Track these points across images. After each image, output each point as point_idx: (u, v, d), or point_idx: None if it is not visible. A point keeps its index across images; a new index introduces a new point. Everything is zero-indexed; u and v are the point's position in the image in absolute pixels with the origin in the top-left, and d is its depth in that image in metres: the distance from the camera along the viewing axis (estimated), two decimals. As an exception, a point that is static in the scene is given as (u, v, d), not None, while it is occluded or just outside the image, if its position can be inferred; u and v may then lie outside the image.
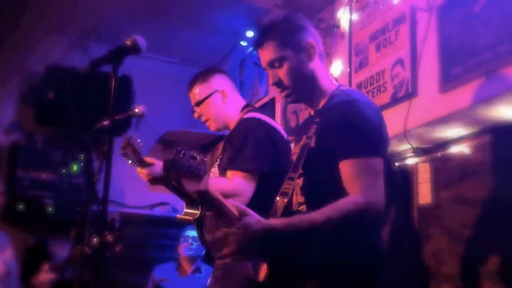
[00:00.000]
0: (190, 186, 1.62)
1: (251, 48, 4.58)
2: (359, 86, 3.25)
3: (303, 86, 1.93)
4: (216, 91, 2.64)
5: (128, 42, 1.79)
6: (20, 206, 4.37)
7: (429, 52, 2.77)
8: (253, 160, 2.34)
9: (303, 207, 1.83)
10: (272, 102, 4.37)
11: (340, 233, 1.69)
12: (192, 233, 4.07)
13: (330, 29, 3.57)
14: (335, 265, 1.71)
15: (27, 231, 4.57)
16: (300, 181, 1.85)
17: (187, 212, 2.52)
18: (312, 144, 1.82)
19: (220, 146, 2.62)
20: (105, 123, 2.35)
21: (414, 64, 2.85)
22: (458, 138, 2.75)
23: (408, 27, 2.93)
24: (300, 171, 1.83)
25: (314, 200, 1.77)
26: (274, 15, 2.18)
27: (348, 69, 3.39)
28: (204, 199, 1.68)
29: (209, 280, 2.63)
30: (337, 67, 3.47)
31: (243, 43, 4.66)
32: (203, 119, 2.70)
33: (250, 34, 4.38)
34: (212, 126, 2.68)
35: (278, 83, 1.94)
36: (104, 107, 1.75)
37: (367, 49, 3.26)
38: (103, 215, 1.67)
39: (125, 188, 4.75)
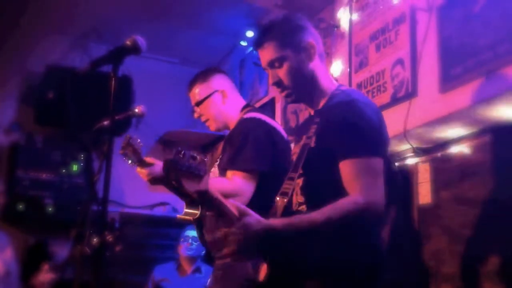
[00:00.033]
0: (190, 186, 1.62)
1: (251, 48, 4.58)
2: (359, 86, 3.25)
3: (303, 86, 1.93)
4: (216, 91, 2.65)
5: (128, 42, 1.79)
6: (20, 206, 4.37)
7: (429, 52, 2.77)
8: (253, 160, 2.34)
9: (303, 207, 1.83)
10: (272, 102, 4.37)
11: (340, 233, 1.69)
12: (192, 233, 4.07)
13: (330, 29, 3.57)
14: (335, 265, 1.71)
15: (27, 231, 4.57)
16: (300, 181, 1.85)
17: (187, 212, 2.52)
18: (312, 144, 1.82)
19: (220, 146, 2.62)
20: (105, 123, 2.36)
21: (414, 64, 2.85)
22: (458, 138, 2.75)
23: (408, 27, 2.93)
24: (300, 171, 1.83)
25: (314, 200, 1.77)
26: (274, 15, 2.18)
27: (348, 69, 3.39)
28: (204, 199, 1.68)
29: (209, 280, 2.64)
30: (337, 67, 3.47)
31: (243, 43, 4.66)
32: (203, 119, 2.70)
33: (250, 34, 4.38)
34: (212, 126, 2.68)
35: (278, 83, 1.94)
36: (104, 107, 1.75)
37: (367, 49, 3.26)
38: (103, 215, 1.67)
39: (125, 188, 4.75)
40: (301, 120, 3.82)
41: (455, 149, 2.76)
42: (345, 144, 1.73)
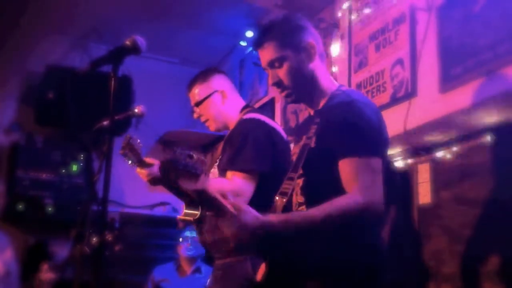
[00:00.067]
0: (187, 185, 1.62)
1: (251, 48, 4.58)
2: (359, 86, 3.25)
3: (303, 86, 1.93)
4: (215, 91, 2.65)
5: (128, 42, 1.79)
6: (20, 206, 4.37)
7: (429, 52, 2.77)
8: (253, 160, 2.34)
9: (303, 208, 1.83)
10: (272, 102, 4.37)
11: (340, 233, 1.69)
12: (192, 233, 4.07)
13: (330, 29, 3.57)
14: (335, 265, 1.71)
15: (27, 231, 4.57)
16: (300, 181, 1.85)
17: (187, 212, 2.52)
18: (312, 145, 1.82)
19: (220, 147, 2.62)
20: (105, 123, 2.36)
21: (413, 64, 2.85)
22: (458, 138, 2.75)
23: (408, 27, 2.93)
24: (300, 171, 1.83)
25: (314, 200, 1.76)
26: (274, 15, 2.18)
27: (348, 69, 3.40)
28: (201, 198, 1.67)
29: (208, 280, 2.64)
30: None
31: (243, 43, 4.66)
32: (202, 119, 2.70)
33: (250, 34, 4.38)
34: (212, 127, 2.68)
35: (278, 83, 1.94)
36: (104, 107, 1.75)
37: (366, 49, 3.26)
38: (103, 215, 1.68)
39: (125, 188, 4.75)
40: (301, 120, 3.82)
41: (455, 149, 2.76)
42: (345, 144, 1.73)
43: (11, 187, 4.49)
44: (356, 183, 1.67)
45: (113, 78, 1.75)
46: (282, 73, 1.92)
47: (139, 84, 4.67)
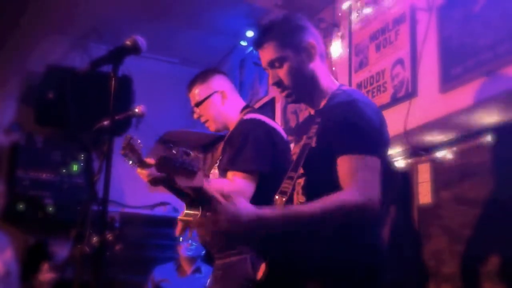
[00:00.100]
0: (184, 182, 1.61)
1: (251, 48, 4.58)
2: (359, 86, 3.25)
3: (304, 86, 1.93)
4: (215, 92, 2.64)
5: (128, 42, 1.79)
6: (20, 206, 4.37)
7: (429, 52, 2.77)
8: (253, 160, 2.34)
9: (304, 207, 1.82)
10: (272, 102, 4.37)
11: (340, 233, 1.69)
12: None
13: (330, 29, 3.57)
14: (335, 265, 1.71)
15: (27, 231, 4.57)
16: (301, 181, 1.85)
17: (187, 213, 2.52)
18: (313, 144, 1.81)
19: (220, 147, 2.62)
20: (105, 123, 2.36)
21: (414, 64, 2.85)
22: (458, 138, 2.76)
23: (408, 27, 2.93)
24: (301, 171, 1.83)
25: (315, 200, 1.76)
26: (274, 15, 2.18)
27: (348, 69, 3.40)
28: (198, 196, 1.67)
29: (208, 280, 2.64)
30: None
31: (243, 43, 4.66)
32: (202, 119, 2.70)
33: (250, 34, 4.38)
34: (212, 127, 2.68)
35: (279, 83, 1.94)
36: (104, 107, 1.75)
37: (367, 49, 3.26)
38: (103, 215, 1.68)
39: (125, 188, 4.75)
40: (301, 120, 3.82)
41: (455, 149, 2.76)
42: (344, 141, 1.73)
43: (11, 187, 4.49)
44: (353, 180, 1.66)
45: (113, 78, 1.75)
46: (282, 73, 1.92)
47: (139, 84, 4.67)
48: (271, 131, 2.47)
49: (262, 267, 1.80)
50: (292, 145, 2.11)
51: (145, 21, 4.30)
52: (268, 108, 4.35)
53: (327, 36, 3.58)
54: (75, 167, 4.61)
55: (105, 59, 1.78)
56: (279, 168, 2.20)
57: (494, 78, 2.36)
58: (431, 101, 2.71)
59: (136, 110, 2.77)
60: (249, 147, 2.35)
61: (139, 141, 2.57)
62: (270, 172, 2.32)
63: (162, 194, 4.46)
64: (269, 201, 1.90)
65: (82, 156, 4.65)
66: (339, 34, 3.51)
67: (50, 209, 4.42)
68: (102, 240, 1.64)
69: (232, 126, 2.59)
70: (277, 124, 2.64)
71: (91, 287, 1.63)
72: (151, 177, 2.65)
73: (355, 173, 1.67)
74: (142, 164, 2.60)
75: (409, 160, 3.01)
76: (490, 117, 2.53)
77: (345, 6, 3.46)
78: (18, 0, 4.14)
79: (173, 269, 4.30)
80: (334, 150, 1.74)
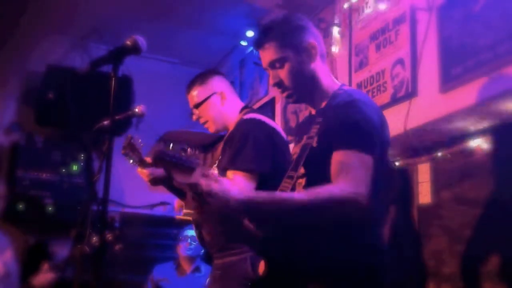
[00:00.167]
0: (181, 178, 1.61)
1: (251, 48, 4.58)
2: (359, 86, 3.25)
3: (304, 87, 1.93)
4: (214, 93, 2.64)
5: (128, 42, 1.79)
6: (20, 206, 4.37)
7: (429, 52, 2.77)
8: (253, 160, 2.33)
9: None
10: (272, 102, 4.37)
11: (340, 233, 1.69)
12: (191, 232, 4.07)
13: (330, 29, 3.57)
14: (335, 265, 1.71)
15: (27, 231, 4.57)
16: (302, 181, 1.85)
17: (186, 212, 2.52)
18: (314, 144, 1.81)
19: (220, 147, 2.62)
20: (105, 123, 2.35)
21: (414, 64, 2.85)
22: (458, 138, 2.76)
23: (408, 27, 2.93)
24: (302, 171, 1.83)
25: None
26: (275, 15, 2.17)
27: (348, 69, 3.40)
28: (196, 192, 1.66)
29: (207, 280, 2.64)
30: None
31: (243, 43, 4.66)
32: (201, 121, 2.70)
33: (250, 34, 4.38)
34: (211, 128, 2.68)
35: (279, 84, 1.93)
36: (104, 107, 1.75)
37: (367, 49, 3.26)
38: (103, 215, 1.68)
39: (125, 188, 4.75)
40: (301, 120, 3.82)
41: (455, 149, 2.76)
42: (341, 137, 1.73)
43: (11, 187, 4.49)
44: (344, 175, 1.66)
45: (113, 78, 1.75)
46: (283, 73, 1.91)
47: (139, 84, 4.67)
48: (271, 131, 2.47)
49: (262, 265, 1.80)
50: (292, 145, 2.10)
51: (145, 21, 4.30)
52: (268, 108, 4.35)
53: (327, 36, 3.58)
54: (75, 167, 4.62)
55: (105, 59, 1.78)
56: (278, 168, 2.20)
57: (494, 78, 2.37)
58: (431, 101, 2.71)
59: (136, 110, 2.77)
60: (249, 146, 2.35)
61: (140, 140, 2.58)
62: (270, 172, 2.32)
63: (162, 194, 4.46)
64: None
65: (82, 156, 4.65)
66: (340, 34, 3.51)
67: (50, 209, 4.43)
68: (102, 240, 1.64)
69: (231, 126, 2.59)
70: (276, 124, 2.64)
71: (91, 287, 1.63)
72: (152, 177, 2.66)
73: (347, 168, 1.67)
74: (143, 164, 2.61)
75: (409, 160, 3.01)
76: (490, 117, 2.53)
77: (345, 6, 3.46)
78: (18, 0, 4.14)
79: (173, 269, 4.31)
80: (333, 147, 1.74)
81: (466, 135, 2.72)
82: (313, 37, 1.94)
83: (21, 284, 4.30)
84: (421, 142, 2.89)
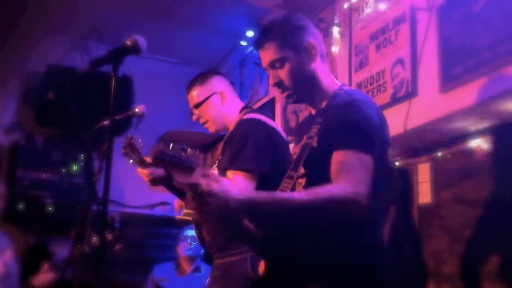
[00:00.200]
0: (181, 178, 1.61)
1: (251, 48, 4.58)
2: (359, 86, 3.25)
3: (304, 87, 1.93)
4: (214, 93, 2.64)
5: (128, 42, 1.79)
6: (20, 206, 4.38)
7: (429, 52, 2.77)
8: (253, 160, 2.33)
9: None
10: (272, 102, 4.37)
11: (340, 233, 1.69)
12: (191, 232, 4.07)
13: (330, 29, 3.58)
14: (336, 265, 1.71)
15: (27, 231, 4.57)
16: (302, 181, 1.85)
17: (186, 212, 2.53)
18: (314, 144, 1.81)
19: (220, 147, 2.62)
20: (105, 123, 2.35)
21: (414, 64, 2.85)
22: (458, 138, 2.76)
23: (408, 27, 2.93)
24: (302, 171, 1.83)
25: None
26: (275, 15, 2.17)
27: (348, 69, 3.40)
28: (196, 192, 1.66)
29: (207, 280, 2.64)
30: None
31: (243, 43, 4.66)
32: (201, 121, 2.70)
33: (250, 34, 4.38)
34: (211, 128, 2.68)
35: (279, 84, 1.93)
36: (104, 107, 1.75)
37: (367, 49, 3.26)
38: (103, 215, 1.68)
39: (125, 188, 4.75)
40: (301, 120, 3.82)
41: (455, 149, 2.76)
42: (341, 137, 1.73)
43: (11, 187, 4.49)
44: (344, 174, 1.66)
45: (113, 78, 1.75)
46: (283, 73, 1.91)
47: (139, 84, 4.67)
48: (271, 131, 2.47)
49: (262, 265, 1.80)
50: (292, 145, 2.10)
51: (145, 21, 4.30)
52: (268, 108, 4.35)
53: (327, 36, 3.58)
54: (75, 167, 4.62)
55: (105, 59, 1.78)
56: (278, 168, 2.20)
57: (494, 78, 2.37)
58: (431, 101, 2.71)
59: (136, 110, 2.77)
60: (249, 146, 2.35)
61: (140, 140, 2.58)
62: (270, 172, 2.32)
63: (162, 194, 4.46)
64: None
65: (82, 156, 4.65)
66: (340, 33, 3.51)
67: (50, 209, 4.43)
68: (102, 240, 1.64)
69: (231, 126, 2.59)
70: (276, 124, 2.64)
71: (91, 287, 1.63)
72: (152, 177, 2.66)
73: (347, 168, 1.67)
74: (143, 164, 2.61)
75: (409, 160, 3.01)
76: (490, 117, 2.53)
77: (345, 6, 3.46)
78: (18, 0, 4.14)
79: (173, 269, 4.31)
80: (333, 147, 1.74)
81: (466, 135, 2.71)
82: (313, 37, 1.94)
83: (21, 284, 4.30)
84: (421, 142, 2.89)
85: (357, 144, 1.70)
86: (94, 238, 1.91)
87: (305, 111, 3.59)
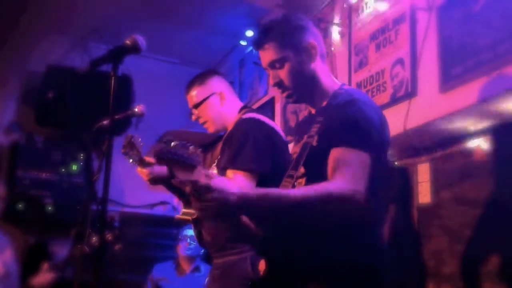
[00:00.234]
0: (183, 176, 1.61)
1: (250, 48, 4.58)
2: (359, 85, 3.25)
3: (304, 87, 1.93)
4: (213, 93, 2.64)
5: (128, 42, 1.79)
6: (20, 206, 4.38)
7: (429, 52, 2.77)
8: (253, 160, 2.34)
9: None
10: (271, 101, 4.37)
11: (340, 233, 1.68)
12: (191, 232, 4.07)
13: (329, 29, 3.58)
14: (335, 265, 1.71)
15: (27, 231, 4.57)
16: (302, 181, 1.85)
17: (185, 212, 2.53)
18: (314, 143, 1.81)
19: (219, 146, 2.62)
20: (105, 122, 2.36)
21: (414, 63, 2.85)
22: (458, 138, 2.76)
23: (408, 27, 2.93)
24: (302, 170, 1.83)
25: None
26: (274, 15, 2.17)
27: (348, 69, 3.40)
28: (197, 190, 1.66)
29: (206, 279, 2.64)
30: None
31: (243, 43, 4.66)
32: (201, 121, 2.70)
33: (250, 34, 4.38)
34: (211, 128, 2.68)
35: (279, 84, 1.93)
36: (104, 106, 1.75)
37: (366, 49, 3.26)
38: (103, 215, 1.68)
39: (124, 188, 4.75)
40: (301, 119, 3.82)
41: (455, 149, 2.76)
42: (340, 135, 1.73)
43: (11, 187, 4.50)
44: (342, 171, 1.66)
45: (113, 78, 1.75)
46: (283, 74, 1.91)
47: (139, 84, 4.67)
48: (270, 130, 2.47)
49: (262, 264, 1.80)
50: (292, 145, 2.10)
51: (145, 21, 4.30)
52: (268, 108, 4.35)
53: (327, 36, 3.58)
54: (75, 167, 4.62)
55: (105, 58, 1.78)
56: (278, 167, 2.20)
57: (494, 78, 2.36)
58: (431, 101, 2.71)
59: (136, 109, 2.78)
60: (249, 146, 2.35)
61: (140, 139, 2.58)
62: (269, 172, 2.33)
63: (162, 193, 4.46)
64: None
65: (82, 156, 4.66)
66: (340, 33, 3.51)
67: (50, 209, 4.43)
68: (102, 240, 1.64)
69: (230, 126, 2.59)
70: (275, 124, 2.64)
71: (91, 287, 1.63)
72: (151, 176, 2.66)
73: (345, 165, 1.67)
74: (142, 163, 2.61)
75: (409, 160, 3.01)
76: (490, 117, 2.53)
77: (345, 6, 3.46)
78: (18, 0, 4.14)
79: (172, 268, 4.31)
80: (332, 145, 1.74)
81: (466, 135, 2.71)
82: (313, 37, 1.94)
83: (21, 284, 4.30)
84: (421, 142, 2.89)
85: (355, 142, 1.70)
86: (94, 238, 1.91)
87: (305, 111, 3.59)
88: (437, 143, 2.86)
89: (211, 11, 4.41)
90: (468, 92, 2.48)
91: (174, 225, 4.39)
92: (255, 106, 4.32)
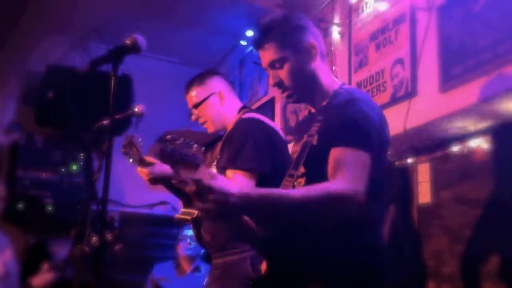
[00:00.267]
0: (186, 174, 1.61)
1: (250, 48, 4.58)
2: (359, 85, 3.25)
3: (304, 87, 1.92)
4: (213, 93, 2.64)
5: (128, 41, 1.78)
6: (20, 206, 4.38)
7: (429, 52, 2.77)
8: (253, 160, 2.34)
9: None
10: (271, 101, 4.37)
11: (340, 233, 1.68)
12: (191, 232, 4.07)
13: (329, 29, 3.58)
14: (336, 265, 1.71)
15: (27, 231, 4.57)
16: (302, 181, 1.85)
17: (184, 211, 2.53)
18: (314, 142, 1.81)
19: (219, 146, 2.62)
20: (105, 122, 2.36)
21: (414, 63, 2.85)
22: (458, 138, 2.76)
23: (408, 27, 2.93)
24: (302, 170, 1.83)
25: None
26: (274, 14, 2.17)
27: (348, 69, 3.40)
28: (200, 189, 1.66)
29: (206, 279, 2.64)
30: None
31: (243, 43, 4.66)
32: (200, 121, 2.70)
33: (250, 33, 4.38)
34: (210, 128, 2.68)
35: (279, 84, 1.93)
36: (104, 106, 1.75)
37: (366, 49, 3.26)
38: (103, 215, 1.68)
39: (125, 188, 4.75)
40: (301, 119, 3.82)
41: (455, 149, 2.76)
42: (340, 135, 1.73)
43: (11, 187, 4.50)
44: (342, 171, 1.66)
45: (113, 78, 1.75)
46: (283, 73, 1.91)
47: (139, 84, 4.67)
48: (270, 130, 2.47)
49: (264, 264, 1.80)
50: (292, 144, 2.10)
51: (145, 21, 4.29)
52: (268, 108, 4.35)
53: (327, 36, 3.58)
54: (75, 167, 4.62)
55: (105, 58, 1.78)
56: (278, 167, 2.20)
57: (494, 78, 2.37)
58: (431, 101, 2.71)
59: (136, 109, 2.77)
60: (249, 146, 2.35)
61: (140, 139, 2.58)
62: (269, 172, 2.33)
63: (162, 193, 4.47)
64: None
65: (82, 156, 4.66)
66: (340, 33, 3.51)
67: (50, 209, 4.43)
68: (102, 240, 1.64)
69: (230, 126, 2.59)
70: (275, 123, 2.64)
71: (91, 287, 1.63)
72: (151, 176, 2.66)
73: (345, 165, 1.67)
74: (142, 163, 2.61)
75: (409, 160, 3.01)
76: (490, 117, 2.53)
77: (345, 5, 3.46)
78: (18, 0, 4.14)
79: (172, 268, 4.31)
80: (332, 145, 1.74)
81: (466, 135, 2.71)
82: (313, 37, 1.94)
83: (21, 284, 4.30)
84: (421, 142, 2.89)
85: (355, 142, 1.70)
86: (94, 238, 1.91)
87: (305, 110, 3.59)
88: (437, 143, 2.86)
89: (211, 11, 4.41)
90: (468, 92, 2.48)
91: (174, 225, 4.39)
92: (255, 106, 4.33)
